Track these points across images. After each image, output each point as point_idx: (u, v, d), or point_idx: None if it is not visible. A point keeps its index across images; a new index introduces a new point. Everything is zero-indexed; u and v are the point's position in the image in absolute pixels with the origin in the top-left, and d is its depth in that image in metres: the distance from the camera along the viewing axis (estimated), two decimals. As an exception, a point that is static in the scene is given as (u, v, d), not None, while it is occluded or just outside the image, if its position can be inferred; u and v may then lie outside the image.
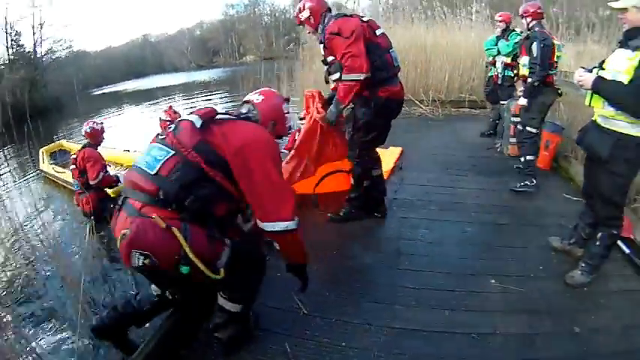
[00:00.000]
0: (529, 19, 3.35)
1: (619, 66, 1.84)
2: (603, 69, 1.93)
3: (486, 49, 4.65)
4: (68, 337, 2.60)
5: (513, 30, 4.39)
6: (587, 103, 2.01)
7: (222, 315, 1.70)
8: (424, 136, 5.08)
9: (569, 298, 2.13)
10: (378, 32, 2.54)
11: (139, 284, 2.92)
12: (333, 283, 2.28)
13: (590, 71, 1.95)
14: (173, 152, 1.44)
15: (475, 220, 2.94)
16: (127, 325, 1.87)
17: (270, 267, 1.82)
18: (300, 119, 3.07)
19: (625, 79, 1.78)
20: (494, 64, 4.60)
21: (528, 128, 3.36)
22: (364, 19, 2.53)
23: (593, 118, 2.05)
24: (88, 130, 4.29)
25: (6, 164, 8.43)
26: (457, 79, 6.18)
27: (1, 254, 3.67)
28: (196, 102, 13.24)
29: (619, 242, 2.38)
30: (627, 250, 2.43)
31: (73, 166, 4.24)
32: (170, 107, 4.80)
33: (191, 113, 1.56)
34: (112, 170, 4.87)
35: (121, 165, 5.99)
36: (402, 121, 5.86)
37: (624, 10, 1.84)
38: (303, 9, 2.59)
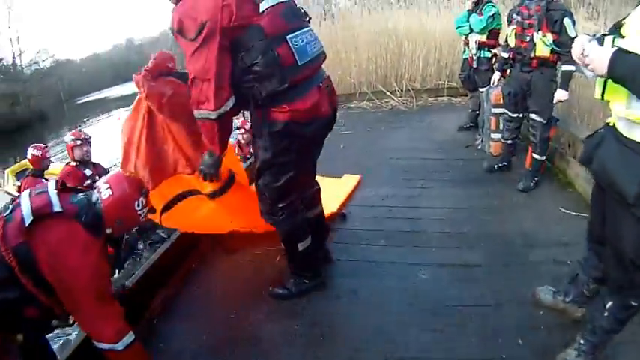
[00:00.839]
0: None
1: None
2: (622, 37, 1.10)
3: (457, 28, 3.82)
4: None
5: (488, 1, 3.56)
6: (597, 95, 1.19)
7: None
8: (390, 134, 4.26)
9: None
10: (265, 3, 1.51)
11: None
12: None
13: (601, 43, 1.10)
14: None
15: (436, 259, 2.14)
16: None
17: None
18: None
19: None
20: (467, 44, 3.77)
21: (537, 117, 2.71)
22: None
23: (609, 123, 1.23)
24: (29, 157, 3.93)
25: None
26: (433, 65, 5.33)
27: None
28: None
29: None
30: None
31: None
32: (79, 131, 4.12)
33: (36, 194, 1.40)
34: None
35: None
36: (368, 116, 5.11)
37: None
38: None
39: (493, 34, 3.57)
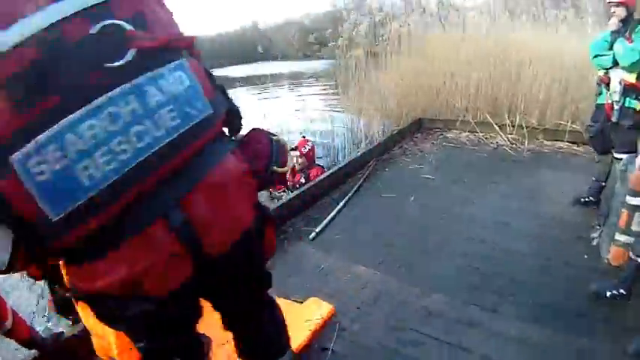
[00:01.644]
0: None
1: None
2: None
3: (593, 57, 2.56)
4: None
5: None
6: None
7: None
8: (479, 195, 3.19)
9: None
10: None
11: None
12: None
13: None
14: None
15: None
16: None
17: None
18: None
19: None
20: (606, 83, 2.50)
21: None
22: None
23: None
24: None
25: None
26: (557, 99, 3.93)
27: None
28: (303, 90, 12.18)
29: None
30: None
31: None
32: None
33: None
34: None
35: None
36: (462, 155, 4.05)
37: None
38: None
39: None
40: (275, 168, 1.05)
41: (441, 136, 4.47)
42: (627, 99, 2.32)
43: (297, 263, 2.54)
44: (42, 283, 2.15)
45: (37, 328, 1.89)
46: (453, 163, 3.81)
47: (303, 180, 3.62)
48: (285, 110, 7.92)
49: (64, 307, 1.91)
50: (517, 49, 4.37)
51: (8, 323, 1.56)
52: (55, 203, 0.68)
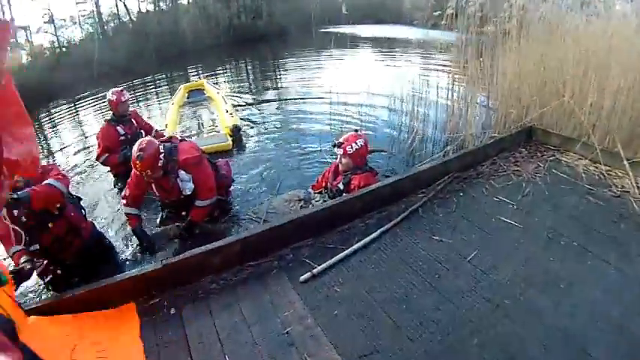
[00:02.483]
0: None
1: None
2: None
3: None
4: None
5: None
6: None
7: None
8: (566, 277, 2.01)
9: None
10: None
11: None
12: None
13: None
14: None
15: None
16: None
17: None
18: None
19: None
20: None
21: None
22: None
23: None
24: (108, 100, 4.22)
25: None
26: None
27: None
28: (431, 61, 10.70)
29: None
30: None
31: None
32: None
33: None
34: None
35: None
36: (571, 195, 2.63)
37: None
38: None
39: None
40: None
41: (552, 158, 3.08)
42: None
43: (261, 314, 1.94)
44: None
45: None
46: (557, 204, 2.54)
47: (341, 186, 2.86)
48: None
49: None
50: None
51: None
52: None
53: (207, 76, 9.59)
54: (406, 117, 4.74)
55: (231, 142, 4.78)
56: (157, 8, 13.53)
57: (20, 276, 1.96)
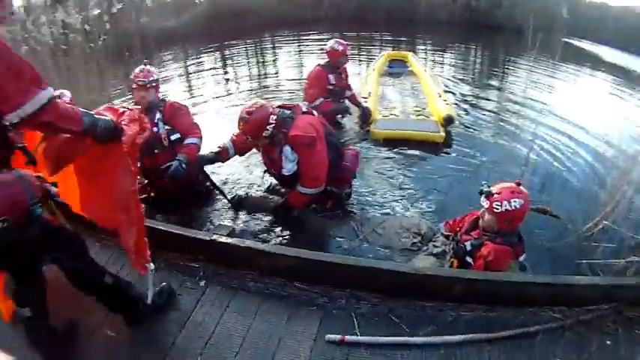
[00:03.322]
0: None
1: None
2: None
3: None
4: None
5: None
6: None
7: None
8: None
9: None
10: None
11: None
12: None
13: None
14: None
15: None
16: None
17: None
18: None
19: None
20: None
21: None
22: None
23: None
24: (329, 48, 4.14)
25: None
26: None
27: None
28: None
29: None
30: None
31: None
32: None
33: None
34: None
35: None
36: None
37: None
38: None
39: None
40: None
41: None
42: None
43: (259, 342, 1.64)
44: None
45: None
46: None
47: (468, 246, 2.09)
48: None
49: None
50: None
51: None
52: None
53: (432, 51, 8.92)
54: (611, 175, 3.30)
55: (443, 134, 4.02)
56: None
57: (175, 173, 2.60)
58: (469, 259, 2.07)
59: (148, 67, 2.88)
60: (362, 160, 3.37)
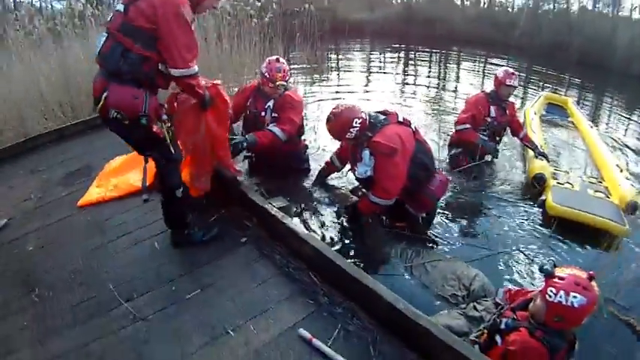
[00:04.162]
0: None
1: None
2: None
3: None
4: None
5: None
6: None
7: None
8: None
9: None
10: None
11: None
12: None
13: None
14: (107, 36, 1.85)
15: None
16: None
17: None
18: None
19: None
20: None
21: None
22: None
23: None
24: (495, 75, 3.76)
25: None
26: None
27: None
28: None
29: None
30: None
31: None
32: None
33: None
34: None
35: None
36: None
37: None
38: None
39: None
40: None
41: None
42: None
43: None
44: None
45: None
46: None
47: (502, 325, 1.72)
48: None
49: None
50: None
51: None
52: None
53: (617, 107, 7.11)
54: None
55: (628, 229, 2.97)
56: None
57: (234, 148, 2.79)
58: (498, 339, 1.71)
59: (284, 63, 3.05)
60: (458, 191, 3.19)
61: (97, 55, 1.87)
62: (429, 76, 7.78)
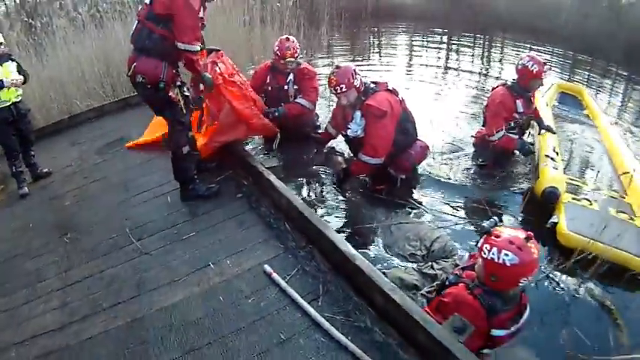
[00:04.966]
0: None
1: None
2: None
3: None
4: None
5: None
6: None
7: None
8: None
9: None
10: None
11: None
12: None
13: None
14: (137, 22, 2.38)
15: None
16: None
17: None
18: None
19: None
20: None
21: None
22: None
23: None
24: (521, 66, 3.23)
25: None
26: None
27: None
28: None
29: None
30: None
31: None
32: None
33: None
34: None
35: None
36: None
37: None
38: None
39: None
40: None
41: None
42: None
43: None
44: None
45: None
46: None
47: (448, 280, 1.85)
48: None
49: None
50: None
51: None
52: None
53: None
54: None
55: None
56: None
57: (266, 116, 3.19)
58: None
59: (293, 42, 3.38)
60: (441, 162, 3.25)
61: (131, 36, 2.40)
62: (472, 62, 7.44)
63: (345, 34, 8.20)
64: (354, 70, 2.79)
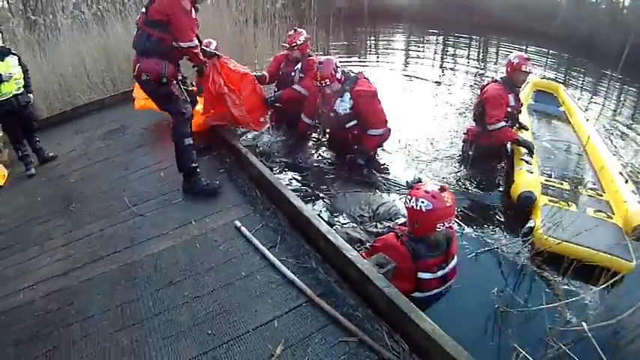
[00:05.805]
0: None
1: None
2: None
3: None
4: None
5: None
6: None
7: None
8: None
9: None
10: None
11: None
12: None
13: None
14: (137, 29, 2.68)
15: None
16: None
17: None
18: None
19: None
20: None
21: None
22: None
23: None
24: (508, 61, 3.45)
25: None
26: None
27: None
28: None
29: None
30: None
31: None
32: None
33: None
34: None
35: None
36: None
37: None
38: None
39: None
40: None
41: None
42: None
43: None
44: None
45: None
46: None
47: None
48: None
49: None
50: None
51: None
52: None
53: None
54: None
55: (635, 264, 2.43)
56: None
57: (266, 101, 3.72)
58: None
59: (298, 32, 3.88)
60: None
61: (133, 42, 2.70)
62: (467, 64, 7.59)
63: (337, 36, 8.48)
64: (336, 64, 3.24)
